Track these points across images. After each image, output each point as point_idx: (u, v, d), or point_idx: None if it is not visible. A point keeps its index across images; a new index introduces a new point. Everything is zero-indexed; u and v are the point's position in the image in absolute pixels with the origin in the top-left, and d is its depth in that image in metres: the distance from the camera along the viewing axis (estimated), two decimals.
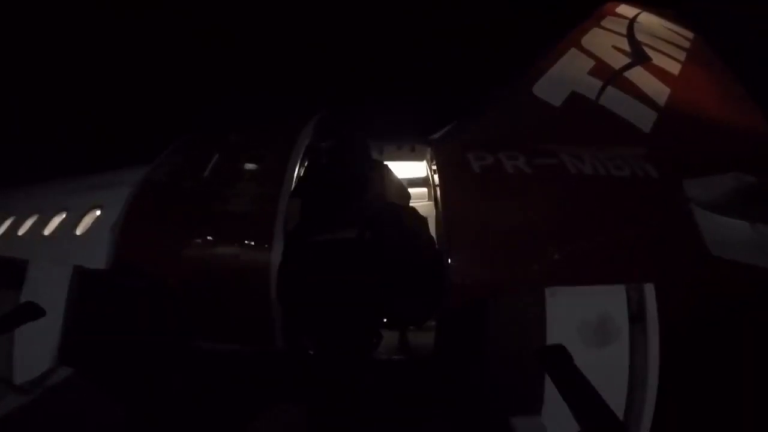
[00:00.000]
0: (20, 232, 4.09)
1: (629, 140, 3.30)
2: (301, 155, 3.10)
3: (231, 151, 3.34)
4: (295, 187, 2.33)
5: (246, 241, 2.92)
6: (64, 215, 3.82)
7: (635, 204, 2.81)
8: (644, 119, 3.43)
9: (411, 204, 2.53)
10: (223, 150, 3.34)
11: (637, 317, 2.07)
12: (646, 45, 4.04)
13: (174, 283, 2.90)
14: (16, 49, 7.11)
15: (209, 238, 2.99)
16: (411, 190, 3.91)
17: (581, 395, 1.50)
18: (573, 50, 3.75)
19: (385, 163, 2.81)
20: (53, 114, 6.41)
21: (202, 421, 2.73)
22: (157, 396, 2.68)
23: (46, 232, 3.90)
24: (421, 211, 2.49)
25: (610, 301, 2.07)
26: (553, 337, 2.02)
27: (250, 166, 3.17)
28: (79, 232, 3.66)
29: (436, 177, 2.97)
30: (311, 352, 3.01)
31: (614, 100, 3.49)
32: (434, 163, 3.05)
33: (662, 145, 3.25)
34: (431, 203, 3.92)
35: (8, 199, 4.58)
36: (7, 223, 4.22)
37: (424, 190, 4.05)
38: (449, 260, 2.55)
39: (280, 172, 2.99)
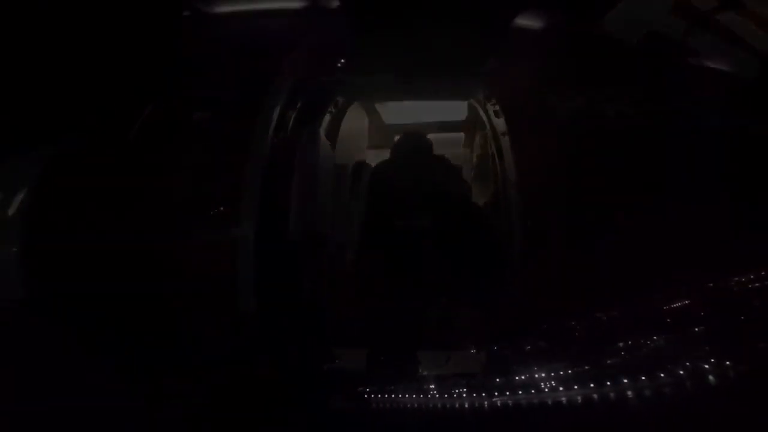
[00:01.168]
0: None
1: (726, 90, 2.66)
2: (283, 99, 2.14)
3: (172, 96, 2.30)
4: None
5: (195, 244, 1.96)
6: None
7: None
8: (745, 68, 2.72)
9: (443, 153, 2.64)
10: (160, 95, 2.29)
11: None
12: None
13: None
14: None
15: (137, 236, 2.01)
16: (442, 136, 3.27)
17: None
18: None
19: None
20: None
21: None
22: None
23: None
24: (456, 160, 2.37)
25: None
26: None
27: (201, 115, 2.12)
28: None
29: (499, 122, 2.33)
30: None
31: (704, 44, 2.76)
32: (495, 103, 2.40)
33: None
34: (467, 150, 3.17)
35: None
36: None
37: (459, 135, 3.43)
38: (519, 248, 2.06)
39: (248, 126, 2.02)
